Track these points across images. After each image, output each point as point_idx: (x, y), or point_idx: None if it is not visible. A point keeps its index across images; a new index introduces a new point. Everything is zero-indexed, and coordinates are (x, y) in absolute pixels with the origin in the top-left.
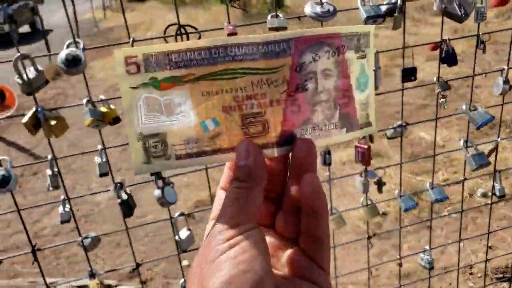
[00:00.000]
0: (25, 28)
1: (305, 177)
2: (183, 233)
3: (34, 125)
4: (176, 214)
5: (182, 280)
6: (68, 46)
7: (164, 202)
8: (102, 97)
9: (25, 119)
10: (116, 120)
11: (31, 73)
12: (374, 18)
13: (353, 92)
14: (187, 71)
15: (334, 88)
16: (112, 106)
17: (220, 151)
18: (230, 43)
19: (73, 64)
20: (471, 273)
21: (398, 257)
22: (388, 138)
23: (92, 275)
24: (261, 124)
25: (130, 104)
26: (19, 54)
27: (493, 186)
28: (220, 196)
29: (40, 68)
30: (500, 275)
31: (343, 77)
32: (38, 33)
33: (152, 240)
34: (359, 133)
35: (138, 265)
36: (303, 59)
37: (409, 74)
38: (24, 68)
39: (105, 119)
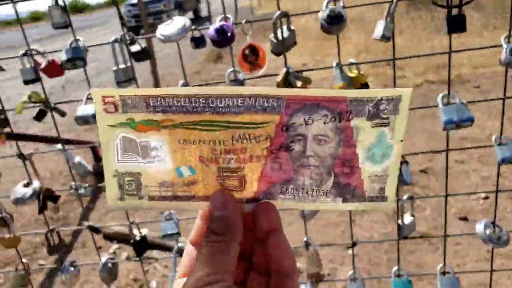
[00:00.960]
0: (189, 15)
1: (271, 238)
2: None
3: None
4: None
5: None
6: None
7: None
8: (352, 60)
9: (278, 78)
10: (364, 86)
11: (285, 32)
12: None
13: (359, 162)
14: (164, 116)
15: (331, 155)
16: (361, 72)
17: (194, 198)
18: (211, 94)
19: (336, 21)
20: None
21: None
22: None
23: None
24: (237, 179)
25: (107, 142)
26: (280, 12)
27: None
28: (189, 251)
29: (292, 27)
30: None
31: (344, 146)
32: (199, 20)
33: None
34: (363, 205)
35: None
36: (293, 120)
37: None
38: (281, 26)
39: (355, 84)
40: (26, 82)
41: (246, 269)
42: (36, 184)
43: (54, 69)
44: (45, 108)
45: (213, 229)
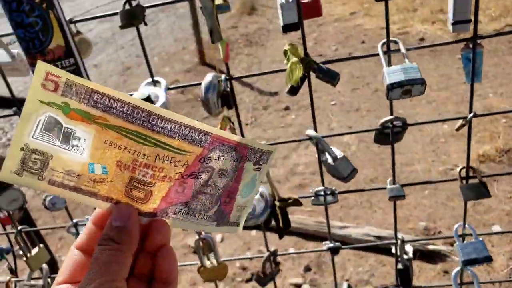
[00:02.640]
0: None
1: (163, 251)
2: None
3: None
4: None
5: None
6: None
7: None
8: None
9: None
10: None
11: None
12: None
13: (236, 195)
14: (102, 114)
15: (223, 187)
16: None
17: (95, 195)
18: (154, 113)
19: None
20: None
21: None
22: None
23: None
24: (144, 192)
25: (30, 114)
26: None
27: None
28: (74, 256)
29: None
30: None
31: (234, 181)
32: None
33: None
34: (224, 229)
35: None
36: (211, 154)
37: None
38: None
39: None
40: None
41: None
42: None
43: None
44: None
45: (112, 237)
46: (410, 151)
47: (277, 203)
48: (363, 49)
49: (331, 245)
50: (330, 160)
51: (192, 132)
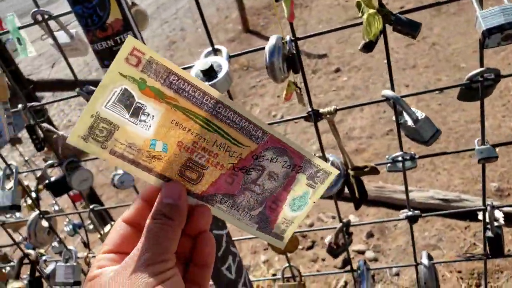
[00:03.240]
0: None
1: (204, 236)
2: None
3: None
4: None
5: None
6: None
7: None
8: None
9: None
10: None
11: None
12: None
13: (283, 204)
14: (174, 95)
15: (271, 191)
16: None
17: (150, 171)
18: (222, 102)
19: None
20: None
21: None
22: None
23: None
24: (196, 174)
25: (107, 84)
26: None
27: None
28: (122, 228)
29: None
30: None
31: (283, 189)
32: None
33: None
34: (266, 237)
35: None
36: (265, 153)
37: None
38: None
39: None
40: None
41: None
42: None
43: None
44: None
45: (164, 212)
46: (475, 107)
47: (351, 172)
48: (415, 0)
49: (410, 213)
50: (410, 122)
51: (251, 127)
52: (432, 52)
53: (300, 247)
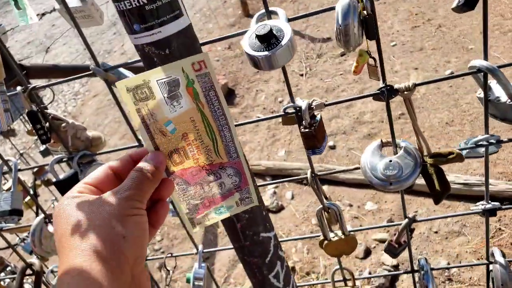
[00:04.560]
0: None
1: (163, 203)
2: None
3: None
4: None
5: None
6: None
7: None
8: None
9: None
10: None
11: None
12: None
13: (213, 206)
14: (204, 102)
15: (213, 194)
16: None
17: (152, 139)
18: (229, 126)
19: None
20: None
21: None
22: None
23: None
24: (180, 160)
25: (169, 69)
26: None
27: None
28: (106, 170)
29: None
30: None
31: (221, 197)
32: None
33: None
34: (185, 219)
35: None
36: (227, 168)
37: None
38: None
39: None
40: None
41: None
42: None
43: None
44: None
45: (148, 169)
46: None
47: (429, 160)
48: None
49: (489, 205)
50: (504, 99)
51: (232, 147)
52: (439, 34)
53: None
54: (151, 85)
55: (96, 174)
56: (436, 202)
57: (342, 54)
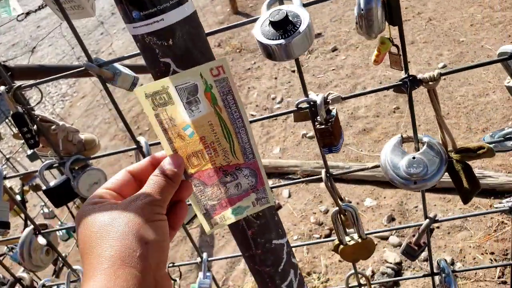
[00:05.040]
0: None
1: (181, 204)
2: None
3: None
4: None
5: None
6: None
7: None
8: None
9: None
10: None
11: None
12: None
13: (229, 207)
14: (222, 106)
15: (230, 195)
16: None
17: (171, 143)
18: (246, 128)
19: None
20: None
21: None
22: None
23: None
24: (197, 162)
25: (188, 76)
26: None
27: None
28: (125, 175)
29: None
30: None
31: (238, 197)
32: None
33: None
34: (203, 219)
35: None
36: (244, 169)
37: None
38: None
39: None
40: None
41: None
42: None
43: None
44: None
45: (167, 173)
46: (481, 81)
47: (455, 156)
48: None
49: None
50: None
51: (248, 149)
52: (429, 28)
53: (316, 235)
54: (169, 91)
55: (116, 178)
56: (465, 201)
57: (334, 50)
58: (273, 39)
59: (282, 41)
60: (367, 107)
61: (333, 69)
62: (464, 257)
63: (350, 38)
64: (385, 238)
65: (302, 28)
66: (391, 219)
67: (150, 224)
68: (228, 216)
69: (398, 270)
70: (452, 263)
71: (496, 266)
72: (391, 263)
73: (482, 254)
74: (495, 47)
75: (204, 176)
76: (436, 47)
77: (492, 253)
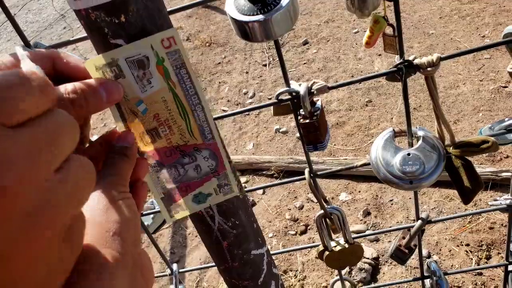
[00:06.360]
0: None
1: (139, 184)
2: None
3: None
4: None
5: None
6: None
7: None
8: None
9: None
10: None
11: None
12: None
13: (190, 192)
14: (176, 81)
15: (189, 178)
16: None
17: (124, 119)
18: (202, 105)
19: None
20: None
21: None
22: None
23: None
24: (151, 140)
25: (137, 47)
26: None
27: None
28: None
29: None
30: None
31: (198, 182)
32: None
33: None
34: (162, 207)
35: None
36: (203, 150)
37: None
38: None
39: None
40: None
41: None
42: None
43: None
44: None
45: (122, 151)
46: (452, 73)
47: (454, 151)
48: None
49: None
50: None
51: (207, 128)
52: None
53: (292, 232)
54: (119, 63)
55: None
56: (466, 202)
57: (305, 43)
58: (249, 15)
59: (260, 16)
60: (340, 100)
61: (304, 63)
62: (440, 250)
63: (321, 32)
64: (359, 233)
65: (284, 1)
66: (367, 213)
67: (117, 204)
68: (189, 204)
69: (375, 265)
70: (429, 256)
71: (496, 266)
72: (368, 258)
73: (458, 246)
74: (464, 39)
75: (161, 155)
76: (407, 40)
77: (468, 245)
